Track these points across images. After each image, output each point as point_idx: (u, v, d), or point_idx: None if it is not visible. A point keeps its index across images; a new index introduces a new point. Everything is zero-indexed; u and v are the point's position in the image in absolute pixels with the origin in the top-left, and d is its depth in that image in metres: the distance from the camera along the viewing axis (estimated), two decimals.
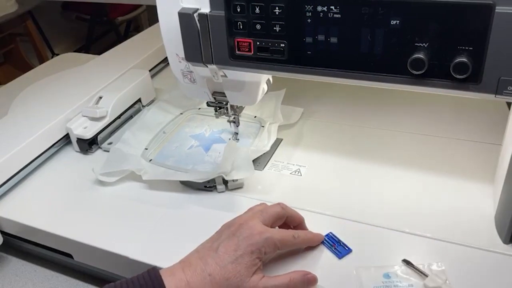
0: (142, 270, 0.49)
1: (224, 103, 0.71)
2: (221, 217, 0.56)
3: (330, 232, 0.59)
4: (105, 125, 0.81)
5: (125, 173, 0.71)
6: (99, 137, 0.80)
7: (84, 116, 0.81)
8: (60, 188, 0.72)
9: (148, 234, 0.61)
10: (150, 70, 0.98)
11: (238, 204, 0.65)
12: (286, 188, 0.67)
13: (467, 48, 0.44)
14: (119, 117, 0.85)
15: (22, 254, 0.71)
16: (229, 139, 0.78)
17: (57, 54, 1.87)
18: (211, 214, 0.64)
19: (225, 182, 0.67)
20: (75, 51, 2.23)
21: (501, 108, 0.80)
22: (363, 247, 0.57)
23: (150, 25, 1.24)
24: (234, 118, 0.75)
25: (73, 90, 0.87)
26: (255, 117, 0.81)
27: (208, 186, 0.68)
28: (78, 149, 0.80)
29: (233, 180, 0.67)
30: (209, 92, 0.69)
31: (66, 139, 0.81)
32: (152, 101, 0.93)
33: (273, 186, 0.68)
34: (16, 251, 0.71)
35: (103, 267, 0.64)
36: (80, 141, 0.78)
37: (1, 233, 0.67)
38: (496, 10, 0.41)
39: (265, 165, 0.72)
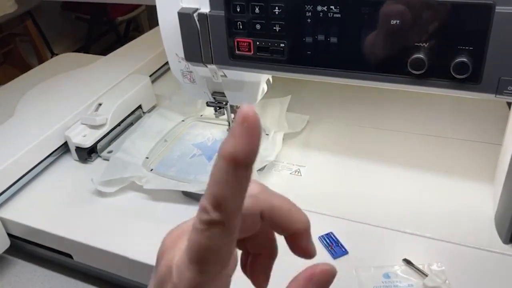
0: (142, 270, 0.49)
1: (224, 103, 0.71)
2: None
3: (331, 232, 0.59)
4: (105, 133, 0.78)
5: (125, 183, 0.69)
6: (98, 146, 0.78)
7: (83, 124, 0.78)
8: (57, 201, 0.70)
9: (149, 238, 0.60)
10: (150, 76, 0.95)
11: None
12: (286, 188, 0.67)
13: (467, 48, 0.44)
14: (119, 124, 0.82)
15: (21, 255, 0.71)
16: None
17: (57, 54, 1.87)
18: None
19: None
20: (74, 51, 2.23)
21: (501, 108, 0.80)
22: (363, 247, 0.57)
23: (150, 25, 1.24)
24: (234, 118, 0.75)
25: (72, 97, 0.85)
26: None
27: None
28: (77, 157, 0.77)
29: None
30: (208, 92, 0.69)
31: (64, 148, 0.78)
32: (153, 107, 0.90)
33: (273, 186, 0.68)
34: (17, 253, 0.71)
35: (103, 267, 0.64)
36: (79, 149, 0.76)
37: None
38: (496, 10, 0.41)
39: (265, 165, 0.72)
